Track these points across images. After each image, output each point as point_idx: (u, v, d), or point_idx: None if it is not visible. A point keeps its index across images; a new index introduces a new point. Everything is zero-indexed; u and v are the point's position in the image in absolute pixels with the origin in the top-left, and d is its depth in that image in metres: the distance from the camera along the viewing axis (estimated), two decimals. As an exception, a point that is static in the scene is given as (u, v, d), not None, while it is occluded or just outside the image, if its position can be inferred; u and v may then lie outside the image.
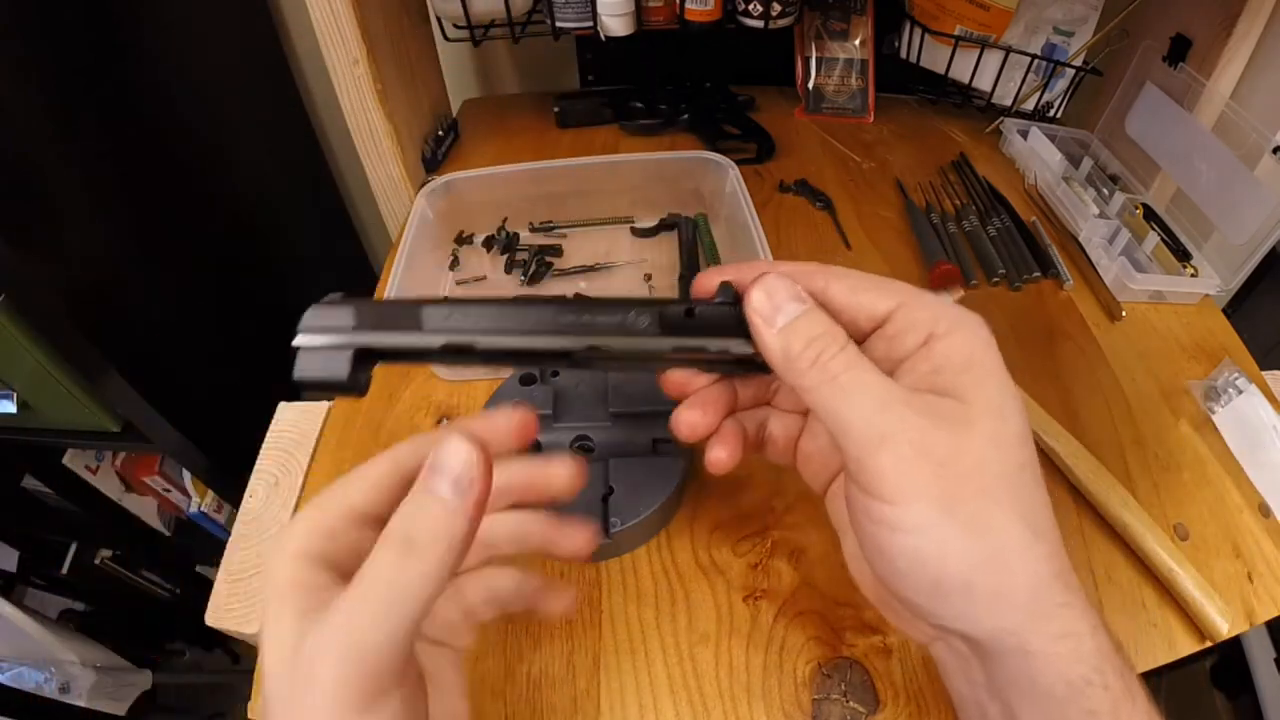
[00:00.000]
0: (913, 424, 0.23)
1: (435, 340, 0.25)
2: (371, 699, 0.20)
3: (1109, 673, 0.23)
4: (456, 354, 0.25)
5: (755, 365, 0.26)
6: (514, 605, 0.30)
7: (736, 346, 0.26)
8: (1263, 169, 0.52)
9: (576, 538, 0.29)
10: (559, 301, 0.26)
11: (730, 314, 0.26)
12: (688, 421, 0.29)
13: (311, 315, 0.25)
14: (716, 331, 0.26)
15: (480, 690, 0.36)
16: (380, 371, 0.52)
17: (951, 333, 0.24)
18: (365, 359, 0.25)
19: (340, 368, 0.24)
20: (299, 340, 0.25)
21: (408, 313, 0.25)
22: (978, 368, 0.24)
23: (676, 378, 0.30)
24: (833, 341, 0.24)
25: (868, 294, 0.26)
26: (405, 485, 0.23)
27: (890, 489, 0.23)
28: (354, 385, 0.25)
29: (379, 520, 0.22)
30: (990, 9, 0.65)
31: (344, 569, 0.22)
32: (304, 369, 0.25)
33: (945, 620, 0.24)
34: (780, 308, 0.25)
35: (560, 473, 0.27)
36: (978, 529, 0.22)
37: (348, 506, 0.23)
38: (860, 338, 0.26)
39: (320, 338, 0.25)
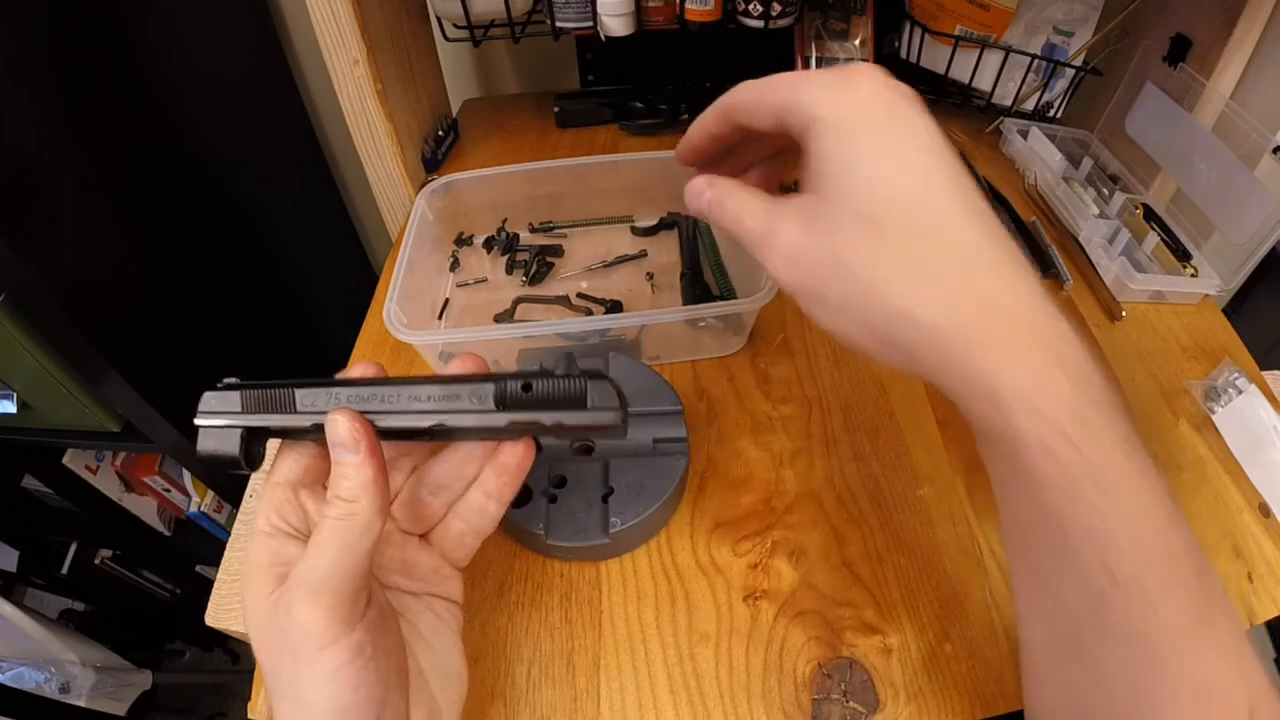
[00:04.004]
0: (777, 234, 0.26)
1: (305, 421, 0.28)
2: (340, 627, 0.25)
3: (1055, 438, 0.22)
4: (322, 431, 0.28)
5: (599, 431, 0.29)
6: (476, 498, 0.31)
7: (571, 419, 0.28)
8: (1263, 169, 0.52)
9: (515, 446, 0.30)
10: (417, 380, 0.29)
11: (568, 386, 0.28)
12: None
13: (207, 400, 0.29)
14: (553, 405, 0.28)
15: (480, 690, 0.36)
16: (383, 358, 0.52)
17: (809, 125, 0.25)
18: (255, 436, 0.28)
19: (232, 445, 0.28)
20: (198, 420, 0.28)
21: (284, 397, 0.28)
22: (825, 153, 0.25)
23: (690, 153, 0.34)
24: (709, 190, 0.30)
25: (756, 114, 0.28)
26: (321, 452, 0.29)
27: (787, 291, 0.26)
28: (246, 461, 0.28)
29: (315, 482, 0.29)
30: (990, 9, 0.65)
31: (300, 531, 0.28)
32: (203, 445, 0.28)
33: (899, 367, 0.25)
34: (700, 199, 0.30)
35: (513, 449, 0.30)
36: (854, 311, 0.25)
37: (286, 481, 0.29)
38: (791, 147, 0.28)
39: (215, 419, 0.28)
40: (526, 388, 0.28)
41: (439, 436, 0.29)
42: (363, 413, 0.28)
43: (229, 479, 0.90)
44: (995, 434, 0.23)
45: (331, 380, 0.29)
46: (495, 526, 0.32)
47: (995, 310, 0.23)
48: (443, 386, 0.28)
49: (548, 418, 0.28)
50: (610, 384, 0.29)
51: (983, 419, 0.23)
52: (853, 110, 0.25)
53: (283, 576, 0.26)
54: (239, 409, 0.28)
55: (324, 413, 0.28)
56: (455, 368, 0.31)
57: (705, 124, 0.31)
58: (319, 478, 0.29)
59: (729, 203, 0.29)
